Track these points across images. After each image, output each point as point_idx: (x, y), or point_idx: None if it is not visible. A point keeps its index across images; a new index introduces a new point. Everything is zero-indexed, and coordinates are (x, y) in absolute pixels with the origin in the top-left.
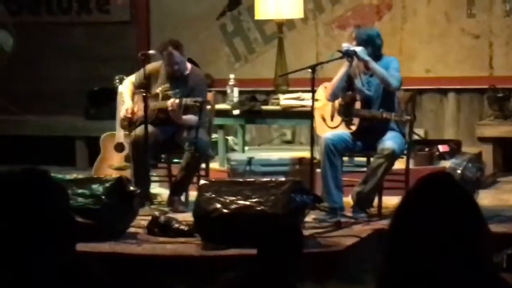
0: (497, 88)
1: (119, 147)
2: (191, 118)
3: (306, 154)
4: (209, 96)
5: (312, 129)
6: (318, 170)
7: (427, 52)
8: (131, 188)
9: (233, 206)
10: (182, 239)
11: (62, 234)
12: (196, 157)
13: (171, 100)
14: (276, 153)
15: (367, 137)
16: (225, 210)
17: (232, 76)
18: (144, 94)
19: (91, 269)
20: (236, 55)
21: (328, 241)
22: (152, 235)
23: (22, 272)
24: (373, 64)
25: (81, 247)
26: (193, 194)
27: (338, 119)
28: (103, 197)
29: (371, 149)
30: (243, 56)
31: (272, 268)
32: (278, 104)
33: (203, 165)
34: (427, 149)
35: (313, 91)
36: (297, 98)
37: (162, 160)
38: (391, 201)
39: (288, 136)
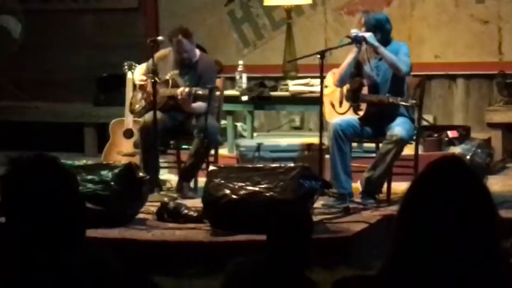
0: (506, 74)
1: (128, 133)
2: (200, 105)
3: (315, 140)
4: (218, 82)
5: (321, 115)
6: (327, 156)
7: (436, 37)
8: (140, 174)
9: (242, 192)
10: (191, 225)
11: (73, 220)
12: (205, 144)
13: (181, 88)
14: (285, 139)
15: (376, 122)
16: (234, 196)
17: (240, 62)
18: (153, 80)
19: (101, 255)
20: (244, 41)
21: (337, 227)
22: (161, 221)
23: (33, 257)
24: (382, 50)
25: (90, 233)
26: (202, 180)
27: (346, 105)
28: (112, 183)
29: (380, 135)
30: (251, 42)
31: (281, 254)
32: (287, 90)
33: (212, 151)
34: (436, 135)
35: (321, 77)
36: (306, 84)
37: (171, 146)
38: (400, 187)
39: (297, 122)
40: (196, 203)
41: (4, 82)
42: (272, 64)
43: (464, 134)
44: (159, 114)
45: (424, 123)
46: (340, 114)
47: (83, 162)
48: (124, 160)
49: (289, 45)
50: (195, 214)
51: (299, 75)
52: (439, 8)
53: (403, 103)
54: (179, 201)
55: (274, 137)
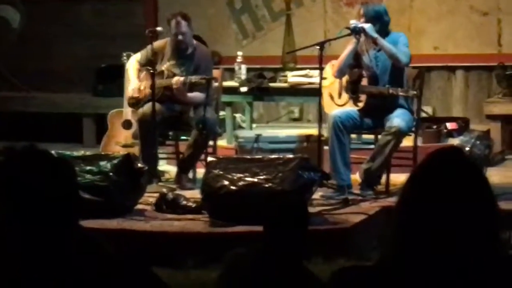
0: (505, 66)
1: (127, 124)
2: (197, 95)
3: (313, 131)
4: (217, 73)
5: (320, 106)
6: (326, 148)
7: (435, 29)
8: (139, 165)
9: (241, 183)
10: (190, 216)
11: (65, 209)
12: (204, 135)
13: (175, 78)
14: (284, 131)
15: (375, 114)
16: (232, 187)
17: (240, 53)
18: (151, 71)
19: (100, 246)
20: (244, 32)
21: (335, 218)
22: (159, 212)
23: (27, 249)
24: (382, 41)
25: (89, 223)
26: (200, 171)
27: (345, 96)
28: (111, 174)
29: (379, 126)
30: (251, 33)
31: (278, 245)
32: (286, 82)
33: (211, 142)
34: (435, 127)
35: (321, 68)
36: (305, 76)
37: (170, 138)
38: (398, 178)
39: (296, 114)
40: (194, 194)
41: (2, 72)
42: (271, 55)
43: (463, 126)
44: (156, 105)
45: (423, 114)
46: (339, 106)
47: (81, 152)
48: (123, 151)
49: (288, 36)
50: (194, 205)
51: (298, 66)
52: None
53: (403, 94)
54: (177, 192)
55: (273, 128)
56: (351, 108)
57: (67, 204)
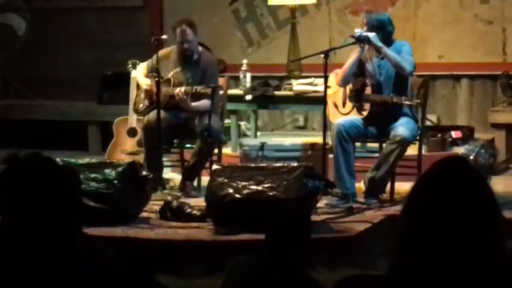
0: (510, 74)
1: (132, 132)
2: (202, 103)
3: (318, 139)
4: (222, 81)
5: (324, 115)
6: (331, 156)
7: (440, 38)
8: (144, 172)
9: (245, 191)
10: (194, 224)
11: (69, 217)
12: (209, 143)
13: (178, 88)
14: (289, 139)
15: (379, 122)
16: (237, 195)
17: (245, 61)
18: (156, 78)
19: (105, 253)
20: (249, 40)
21: (340, 226)
22: (164, 219)
23: (31, 256)
24: (386, 50)
25: (93, 231)
26: (205, 179)
27: (350, 105)
28: (115, 181)
29: (384, 135)
30: (256, 41)
31: (280, 253)
32: (290, 90)
33: (216, 150)
34: (439, 135)
35: (325, 77)
36: (310, 84)
37: (175, 145)
38: (403, 187)
39: (301, 122)
40: (199, 202)
41: (8, 80)
42: (276, 63)
43: (468, 134)
44: (162, 113)
45: (428, 123)
46: (343, 115)
47: (86, 160)
48: (128, 159)
49: (293, 45)
50: (198, 213)
51: (303, 74)
52: (444, 8)
53: (408, 102)
54: (182, 200)
55: (278, 136)
56: (355, 117)
57: (71, 211)
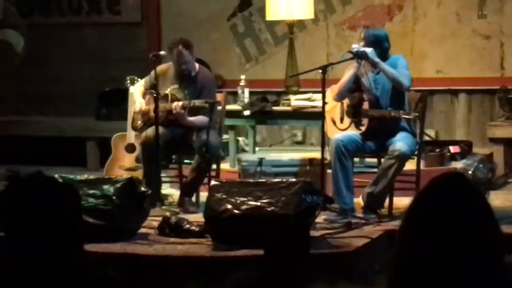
0: (508, 89)
1: (130, 148)
2: (200, 119)
3: (316, 154)
4: (220, 97)
5: (323, 130)
6: (329, 171)
7: (438, 52)
8: (142, 188)
9: (244, 207)
10: (193, 240)
11: (71, 235)
12: (207, 158)
13: (175, 103)
14: (287, 154)
15: (377, 137)
16: (235, 211)
17: (243, 77)
18: (154, 94)
19: (103, 270)
20: (247, 56)
21: (338, 242)
22: (163, 235)
23: (32, 274)
24: (383, 66)
25: (92, 247)
26: (204, 195)
27: (347, 121)
28: (114, 197)
29: (382, 150)
30: (254, 57)
31: (278, 269)
32: (288, 105)
33: (214, 166)
34: (438, 150)
35: (323, 92)
36: (308, 99)
37: (173, 161)
38: (401, 202)
39: (299, 137)
40: (197, 217)
41: (6, 96)
42: (274, 78)
43: (466, 149)
44: (160, 129)
45: (426, 138)
46: (341, 130)
47: (85, 176)
48: (126, 175)
49: (291, 60)
50: (197, 229)
51: (301, 90)
52: (441, 23)
53: (406, 116)
54: (180, 215)
55: (276, 151)
56: (353, 132)
57: (72, 230)
